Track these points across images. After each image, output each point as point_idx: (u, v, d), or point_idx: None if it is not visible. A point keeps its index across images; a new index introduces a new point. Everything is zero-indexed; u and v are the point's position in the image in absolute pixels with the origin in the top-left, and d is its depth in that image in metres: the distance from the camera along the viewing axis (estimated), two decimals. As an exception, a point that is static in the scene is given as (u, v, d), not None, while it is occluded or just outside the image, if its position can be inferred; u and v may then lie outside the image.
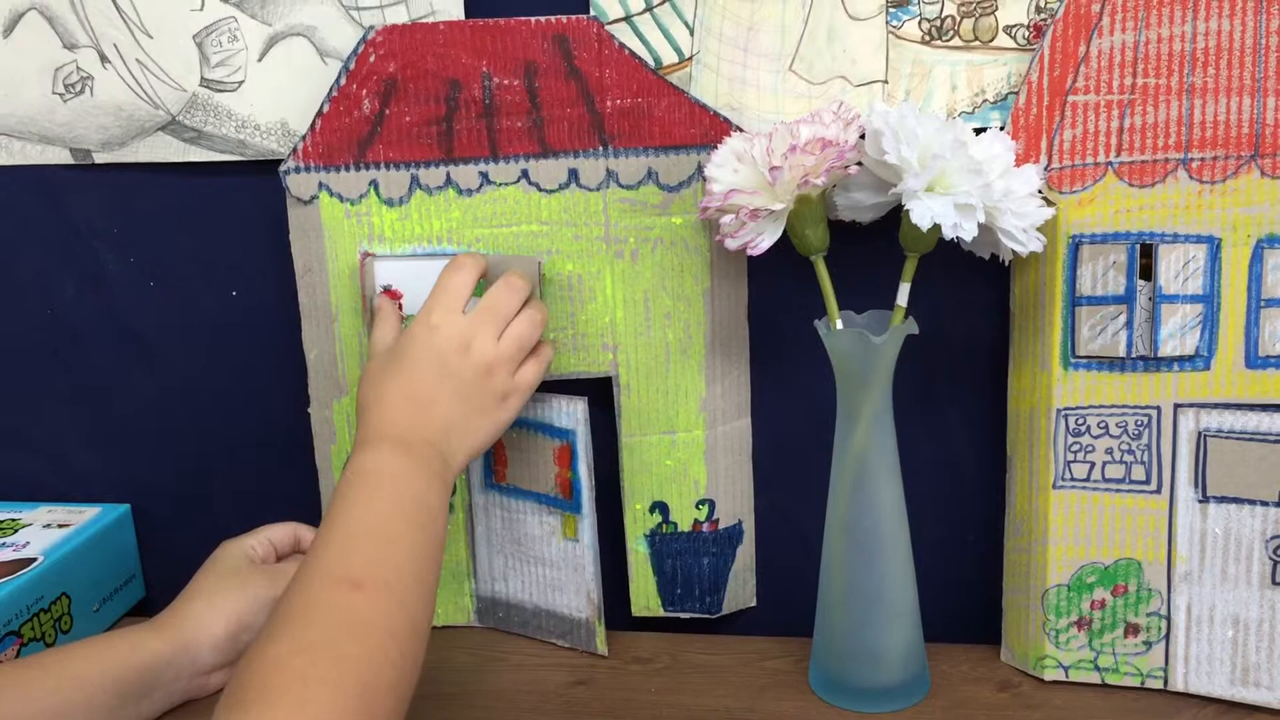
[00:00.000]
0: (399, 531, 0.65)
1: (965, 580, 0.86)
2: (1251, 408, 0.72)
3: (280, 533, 0.83)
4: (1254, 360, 0.70)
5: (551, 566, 0.85)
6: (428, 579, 0.65)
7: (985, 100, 0.77)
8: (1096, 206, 0.72)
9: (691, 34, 0.79)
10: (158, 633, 0.75)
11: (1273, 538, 0.71)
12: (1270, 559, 0.71)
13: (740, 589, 0.89)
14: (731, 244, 0.73)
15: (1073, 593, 0.77)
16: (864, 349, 0.72)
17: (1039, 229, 0.70)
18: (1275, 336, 0.70)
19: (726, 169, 0.72)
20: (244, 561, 0.80)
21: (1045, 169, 0.74)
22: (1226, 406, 0.72)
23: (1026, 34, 0.75)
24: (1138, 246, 0.72)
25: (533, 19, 0.77)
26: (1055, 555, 0.76)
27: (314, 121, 0.80)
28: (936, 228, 0.67)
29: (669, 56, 0.79)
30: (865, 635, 0.76)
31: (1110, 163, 0.72)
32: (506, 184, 0.80)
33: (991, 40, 0.76)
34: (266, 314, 0.88)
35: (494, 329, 0.73)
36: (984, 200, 0.67)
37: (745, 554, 0.88)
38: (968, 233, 0.67)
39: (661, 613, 0.88)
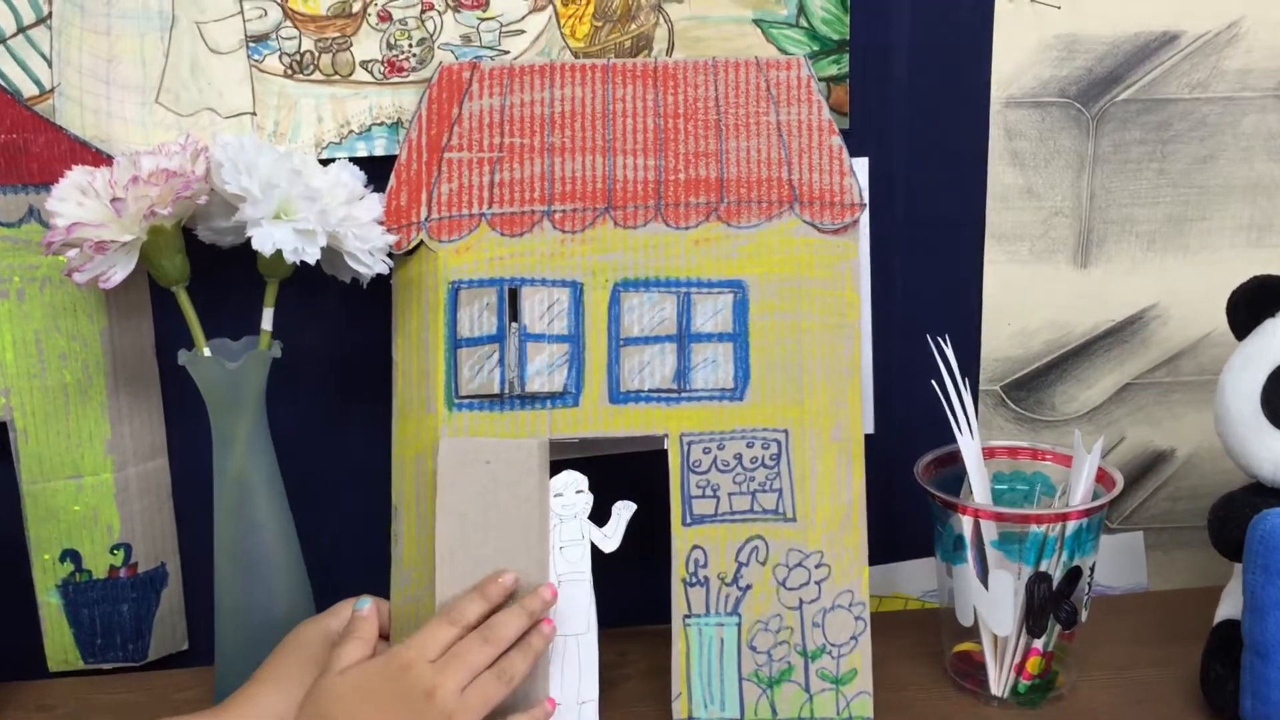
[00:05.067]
0: None
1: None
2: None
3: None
4: (617, 396, 0.85)
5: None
6: None
7: (351, 131, 0.88)
8: (472, 254, 0.85)
9: (50, 66, 0.84)
10: None
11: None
12: None
13: (169, 633, 0.95)
14: (80, 278, 0.79)
15: None
16: (225, 375, 0.82)
17: (389, 255, 0.84)
18: (633, 373, 0.85)
19: (70, 203, 0.78)
20: (326, 648, 0.78)
21: (427, 220, 0.85)
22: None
23: (382, 69, 0.87)
24: (507, 289, 0.85)
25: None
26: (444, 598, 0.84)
27: None
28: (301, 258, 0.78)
29: (29, 89, 0.84)
30: (259, 652, 0.83)
31: (484, 214, 0.86)
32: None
33: (350, 74, 0.87)
34: None
35: (462, 679, 0.75)
36: (323, 226, 0.78)
37: (172, 596, 0.95)
38: (310, 256, 0.78)
39: (81, 665, 0.94)
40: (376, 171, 0.87)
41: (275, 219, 0.77)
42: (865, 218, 0.93)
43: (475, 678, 0.76)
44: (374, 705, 0.73)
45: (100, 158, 0.84)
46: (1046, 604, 0.85)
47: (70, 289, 0.87)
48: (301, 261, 0.79)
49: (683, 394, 0.85)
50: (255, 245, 0.77)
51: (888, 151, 0.96)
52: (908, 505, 0.94)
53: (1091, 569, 0.87)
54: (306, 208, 0.77)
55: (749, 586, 0.84)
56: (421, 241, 0.86)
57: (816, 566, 0.84)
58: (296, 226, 0.77)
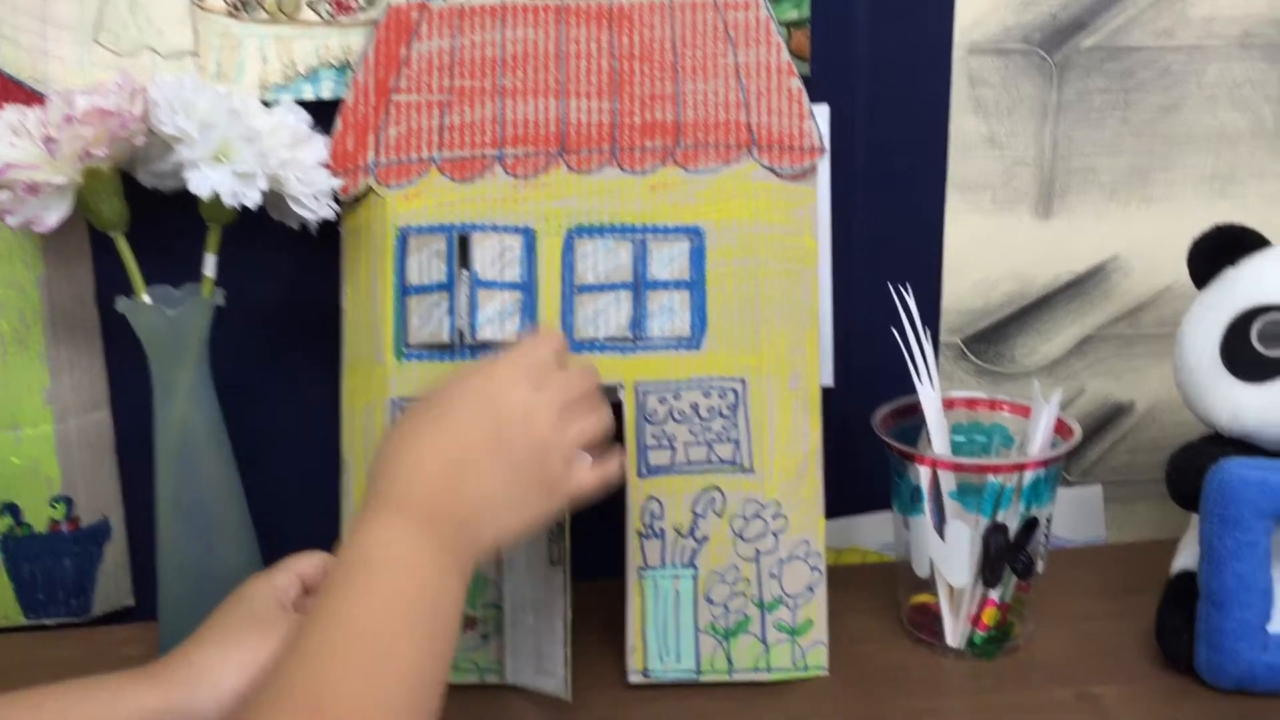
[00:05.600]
0: (393, 642, 0.58)
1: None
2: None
3: (309, 565, 0.76)
4: (571, 344, 0.84)
5: None
6: (422, 701, 0.57)
7: (297, 73, 0.87)
8: (422, 200, 0.85)
9: (-18, 2, 0.82)
10: (151, 682, 0.67)
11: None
12: (546, 538, 0.83)
13: (113, 588, 0.96)
14: (12, 221, 0.78)
15: None
16: (165, 323, 0.81)
17: (337, 200, 0.84)
18: (588, 321, 0.85)
19: (1, 143, 0.77)
20: (273, 605, 0.72)
21: (374, 164, 0.85)
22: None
23: (329, 9, 0.87)
24: (456, 235, 0.84)
25: None
26: None
27: None
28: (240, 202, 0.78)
29: (-40, 26, 0.82)
30: (204, 608, 0.81)
31: (433, 158, 0.85)
32: None
33: (297, 14, 0.86)
34: None
35: (563, 410, 0.69)
36: (263, 168, 0.78)
37: (116, 550, 0.95)
38: (250, 200, 0.78)
39: (23, 621, 0.94)
40: (324, 115, 0.86)
41: (215, 162, 0.77)
42: (825, 165, 0.93)
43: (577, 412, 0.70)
44: (457, 425, 0.67)
45: (35, 97, 0.83)
46: (1003, 555, 0.86)
47: (5, 234, 0.86)
48: (245, 207, 0.78)
49: (638, 343, 0.85)
50: (191, 188, 0.76)
51: (849, 98, 0.96)
52: (866, 459, 0.95)
53: (1048, 520, 0.89)
54: (246, 149, 0.77)
55: (705, 538, 0.85)
56: (369, 187, 0.85)
57: (774, 517, 0.85)
58: (235, 169, 0.77)
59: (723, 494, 0.85)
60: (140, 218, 0.83)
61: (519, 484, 0.67)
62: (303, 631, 0.59)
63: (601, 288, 0.85)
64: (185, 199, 0.80)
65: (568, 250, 0.85)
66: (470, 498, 0.65)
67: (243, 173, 0.77)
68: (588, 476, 0.71)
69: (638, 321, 0.85)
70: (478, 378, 0.69)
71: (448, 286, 0.84)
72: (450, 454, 0.66)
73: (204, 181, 0.76)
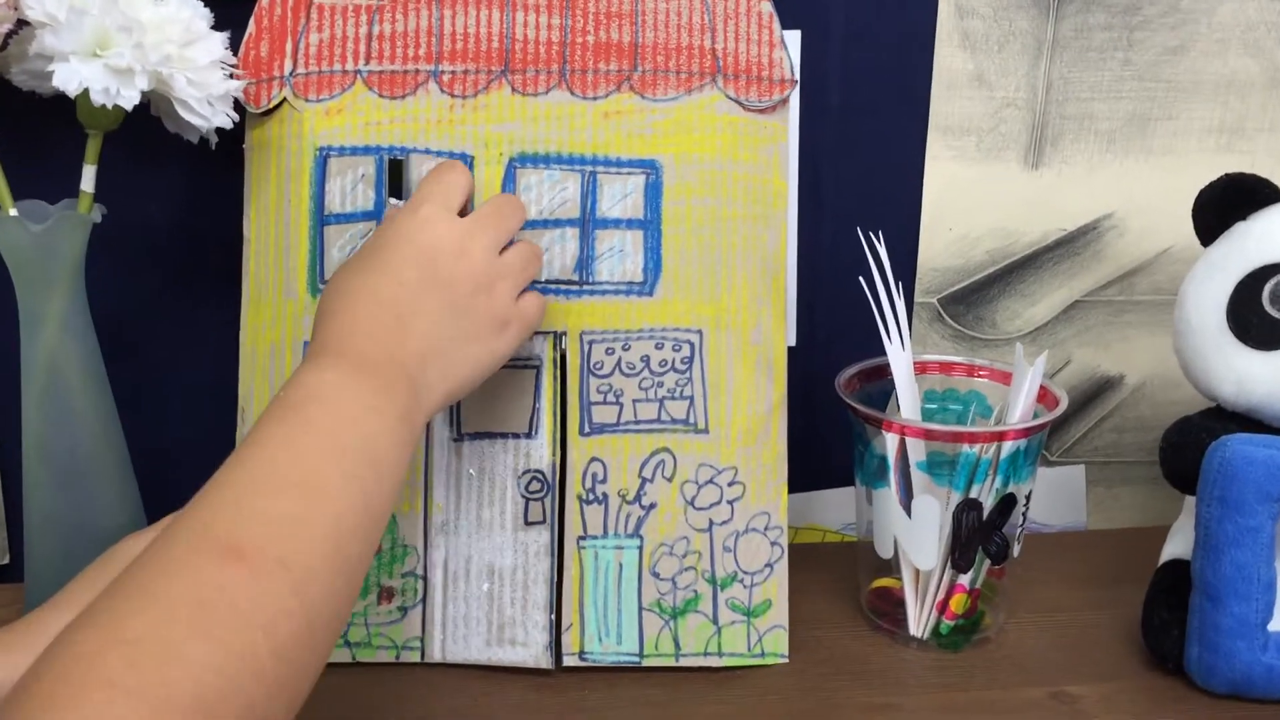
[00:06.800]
0: (324, 484, 0.56)
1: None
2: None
3: None
4: None
5: None
6: (351, 561, 0.56)
7: None
8: (345, 117, 0.80)
9: None
10: (3, 652, 0.63)
11: (524, 473, 0.82)
12: (522, 497, 0.82)
13: (-17, 543, 0.90)
14: None
15: None
16: (31, 240, 0.76)
17: (241, 111, 0.79)
18: None
19: None
20: None
21: (291, 74, 0.80)
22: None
23: None
24: (386, 159, 0.81)
25: None
26: None
27: None
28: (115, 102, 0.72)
29: None
30: (78, 569, 0.77)
31: (359, 71, 0.81)
32: None
33: None
34: None
35: (497, 239, 0.70)
36: (143, 65, 0.72)
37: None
38: (126, 100, 0.72)
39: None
40: (236, 18, 0.81)
41: (88, 55, 0.71)
42: (795, 99, 0.90)
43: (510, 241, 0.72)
44: (390, 269, 0.67)
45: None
46: (975, 535, 0.82)
47: None
48: (134, 114, 0.73)
49: (584, 286, 0.81)
50: (56, 82, 0.71)
51: (823, 25, 0.92)
52: (829, 428, 0.92)
53: (1027, 498, 0.85)
54: (123, 41, 0.72)
55: (653, 505, 0.82)
56: (284, 99, 0.81)
57: (729, 484, 0.82)
58: (109, 63, 0.71)
59: (674, 456, 0.82)
60: (17, 125, 0.78)
61: (467, 321, 0.68)
62: (227, 467, 0.56)
63: (545, 224, 0.81)
64: (68, 104, 0.75)
65: (509, 181, 0.81)
66: (415, 341, 0.65)
67: (118, 67, 0.72)
68: (534, 304, 0.73)
69: (585, 263, 0.81)
70: (402, 219, 0.69)
71: (375, 216, 0.80)
72: (388, 298, 0.65)
73: (72, 75, 0.71)
